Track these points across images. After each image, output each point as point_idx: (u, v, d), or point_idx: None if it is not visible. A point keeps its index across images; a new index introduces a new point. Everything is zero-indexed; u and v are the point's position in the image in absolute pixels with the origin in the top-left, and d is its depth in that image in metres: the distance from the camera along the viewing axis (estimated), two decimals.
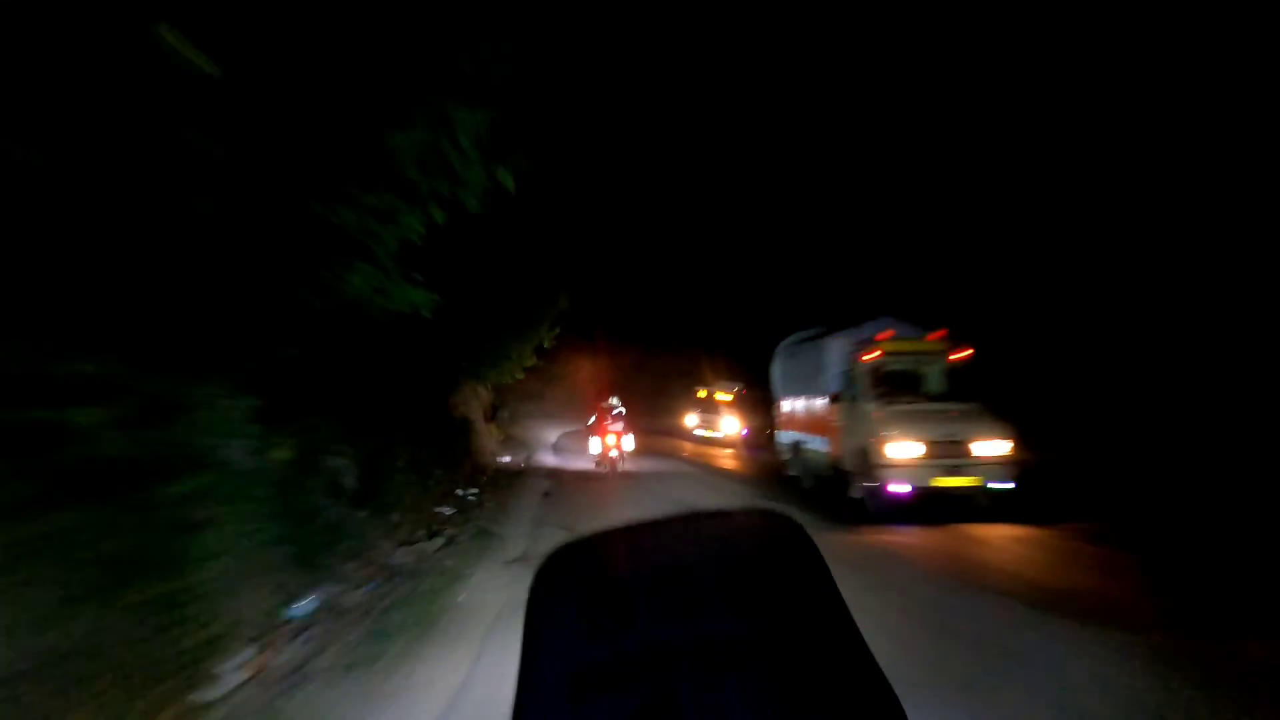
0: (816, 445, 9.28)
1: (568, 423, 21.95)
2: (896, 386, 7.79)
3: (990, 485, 7.11)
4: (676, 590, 0.57)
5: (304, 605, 4.04)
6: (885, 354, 7.91)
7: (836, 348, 8.71)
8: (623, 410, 12.25)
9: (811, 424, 9.52)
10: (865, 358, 7.96)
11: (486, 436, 13.99)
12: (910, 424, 7.34)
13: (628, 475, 11.47)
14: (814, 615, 0.56)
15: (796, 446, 10.12)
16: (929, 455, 7.14)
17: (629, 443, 12.27)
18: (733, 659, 0.53)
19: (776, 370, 11.08)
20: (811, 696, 0.52)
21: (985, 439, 7.21)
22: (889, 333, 8.16)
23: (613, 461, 11.98)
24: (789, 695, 0.51)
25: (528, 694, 0.54)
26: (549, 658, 0.56)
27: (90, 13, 2.74)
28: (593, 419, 12.55)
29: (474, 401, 13.82)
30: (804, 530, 0.60)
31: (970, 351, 7.98)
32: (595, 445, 12.22)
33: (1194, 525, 6.55)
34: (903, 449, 7.21)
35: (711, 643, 0.53)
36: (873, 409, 7.65)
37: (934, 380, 7.95)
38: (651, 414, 22.07)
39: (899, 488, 7.13)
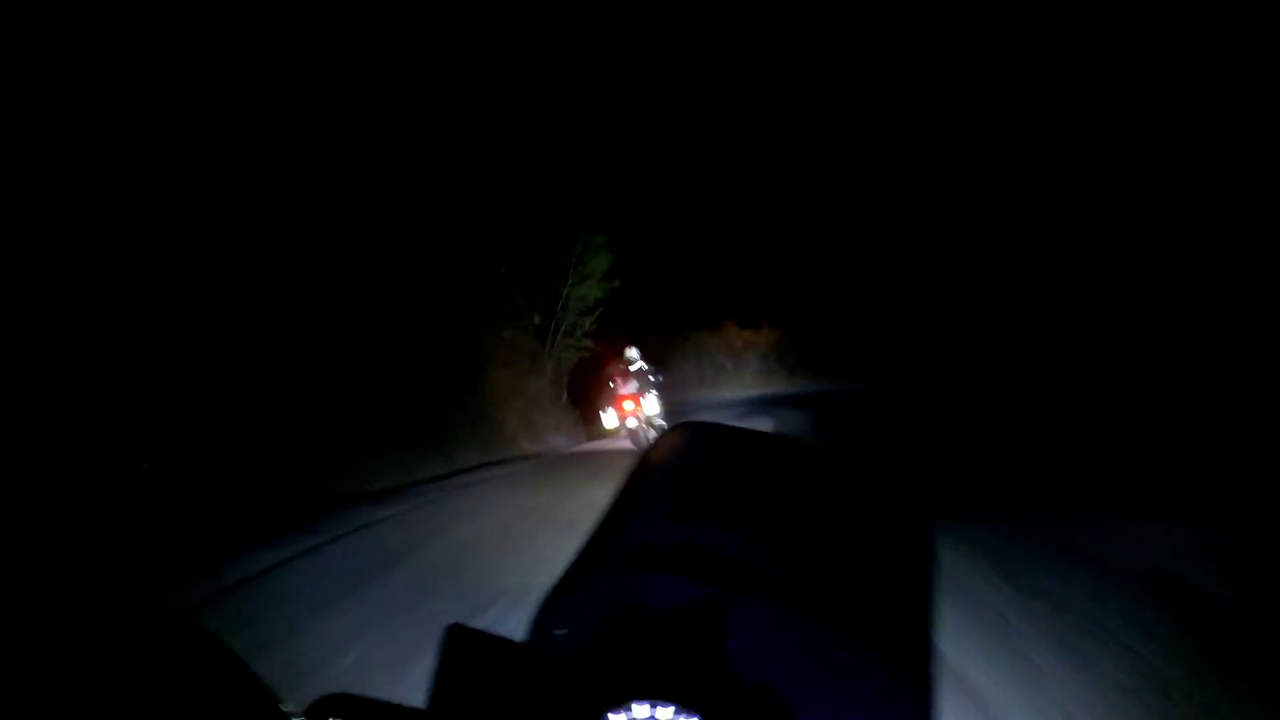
0: None
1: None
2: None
3: None
4: (761, 507, 0.64)
5: None
6: None
7: None
8: (643, 365, 8.82)
9: None
10: None
11: (541, 416, 13.49)
12: None
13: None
14: (889, 565, 0.62)
15: None
16: None
17: (651, 404, 8.66)
18: (789, 593, 0.58)
19: None
20: (854, 644, 0.57)
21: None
22: None
23: (633, 433, 8.67)
24: (826, 641, 0.56)
25: (592, 548, 0.61)
26: (625, 522, 0.63)
27: None
28: (609, 387, 8.97)
29: (530, 378, 13.46)
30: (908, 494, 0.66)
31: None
32: (609, 419, 8.77)
33: None
34: None
35: (772, 573, 0.59)
36: None
37: None
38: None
39: None
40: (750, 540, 0.62)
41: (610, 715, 0.52)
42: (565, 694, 0.55)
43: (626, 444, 9.18)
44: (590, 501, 5.52)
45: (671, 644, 0.58)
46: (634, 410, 8.57)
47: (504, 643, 0.61)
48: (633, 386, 8.60)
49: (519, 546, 4.38)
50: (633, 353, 8.91)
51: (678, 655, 0.58)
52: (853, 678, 0.58)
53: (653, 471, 0.67)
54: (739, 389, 22.45)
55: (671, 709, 0.51)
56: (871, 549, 0.64)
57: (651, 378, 8.79)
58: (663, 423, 8.77)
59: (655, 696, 0.52)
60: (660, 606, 0.59)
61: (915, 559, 0.64)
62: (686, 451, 0.70)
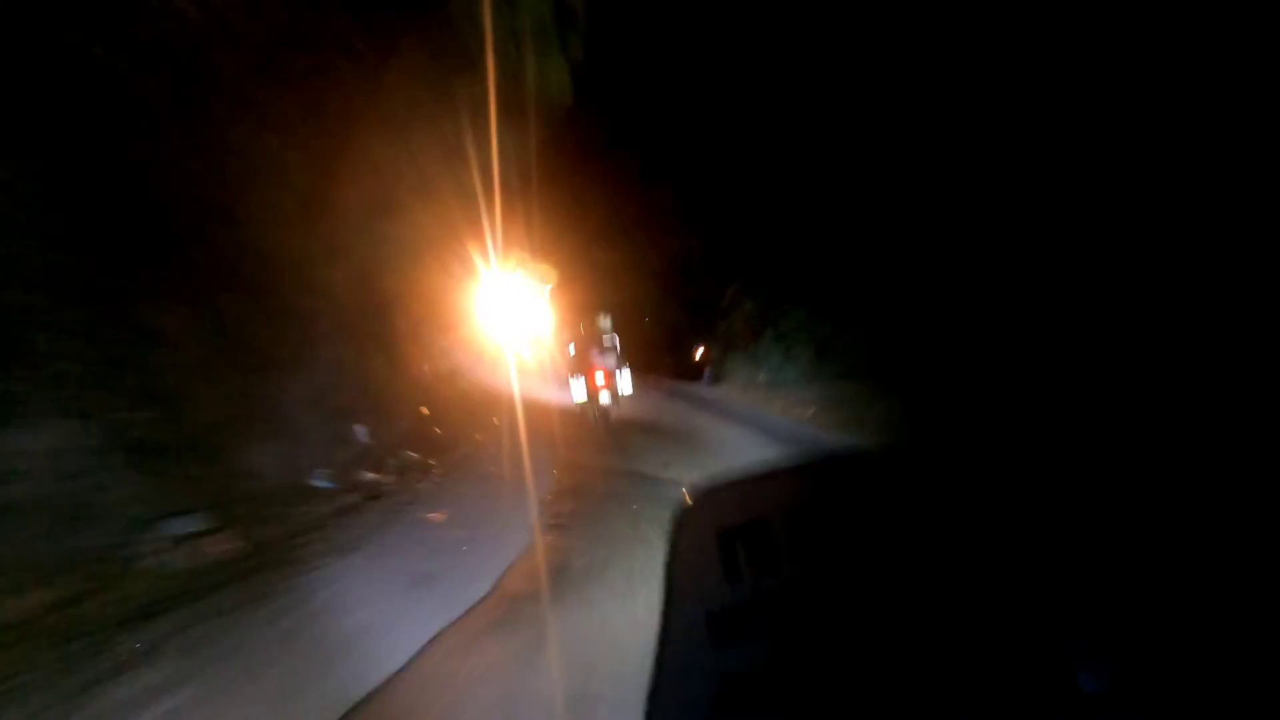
0: None
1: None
2: None
3: None
4: (806, 536, 0.68)
5: None
6: None
7: None
8: (615, 338, 8.42)
9: None
10: None
11: None
12: None
13: (622, 427, 8.12)
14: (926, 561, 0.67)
15: None
16: None
17: (625, 383, 8.40)
18: (863, 601, 0.64)
19: None
20: (949, 643, 0.62)
21: None
22: None
23: (605, 411, 8.27)
24: (924, 641, 0.62)
25: (670, 640, 0.64)
26: (689, 603, 0.65)
27: None
28: (572, 347, 8.70)
29: None
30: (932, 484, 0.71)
31: None
32: (578, 389, 8.34)
33: None
34: None
35: (842, 587, 0.65)
36: None
37: None
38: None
39: None
40: (805, 569, 0.66)
41: None
42: None
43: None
44: None
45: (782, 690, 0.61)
46: (605, 384, 8.32)
47: None
48: (610, 361, 8.33)
49: None
50: (605, 322, 8.56)
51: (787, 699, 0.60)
52: None
53: (689, 548, 0.69)
54: None
55: None
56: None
57: (617, 347, 8.52)
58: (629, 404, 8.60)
59: None
60: (751, 664, 0.63)
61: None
62: (710, 520, 0.72)
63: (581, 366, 8.39)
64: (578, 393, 8.42)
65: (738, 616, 0.65)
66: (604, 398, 8.33)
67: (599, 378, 8.28)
